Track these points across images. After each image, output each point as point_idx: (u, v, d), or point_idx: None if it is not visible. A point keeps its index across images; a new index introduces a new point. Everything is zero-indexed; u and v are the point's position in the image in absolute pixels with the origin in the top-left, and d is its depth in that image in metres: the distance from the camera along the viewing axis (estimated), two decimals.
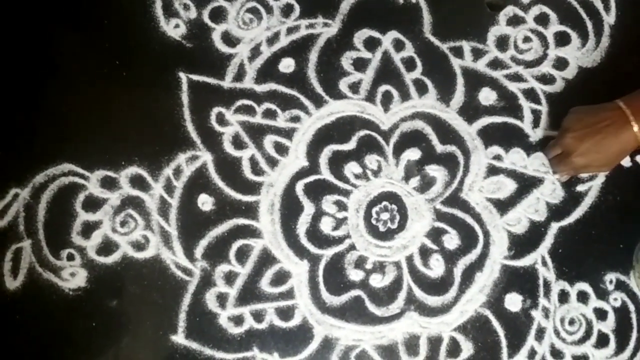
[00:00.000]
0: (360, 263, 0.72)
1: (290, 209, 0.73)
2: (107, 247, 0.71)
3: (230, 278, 0.71)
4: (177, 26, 0.76)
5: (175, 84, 0.74)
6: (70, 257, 0.70)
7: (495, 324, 0.72)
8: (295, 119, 0.75)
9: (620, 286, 0.73)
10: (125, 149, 0.73)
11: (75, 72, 0.75)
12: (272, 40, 0.76)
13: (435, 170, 0.74)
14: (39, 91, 0.74)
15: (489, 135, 0.75)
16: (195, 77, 0.75)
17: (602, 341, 0.72)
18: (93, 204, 0.72)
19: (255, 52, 0.76)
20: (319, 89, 0.76)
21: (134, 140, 0.73)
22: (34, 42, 0.75)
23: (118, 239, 0.71)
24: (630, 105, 0.65)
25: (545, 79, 0.77)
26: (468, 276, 0.73)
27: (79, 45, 0.76)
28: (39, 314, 0.69)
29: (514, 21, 0.78)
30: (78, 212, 0.71)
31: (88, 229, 0.71)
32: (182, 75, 0.75)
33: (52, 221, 0.71)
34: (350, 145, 0.75)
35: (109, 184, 0.72)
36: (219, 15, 0.77)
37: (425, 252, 0.73)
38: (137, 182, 0.72)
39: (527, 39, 0.78)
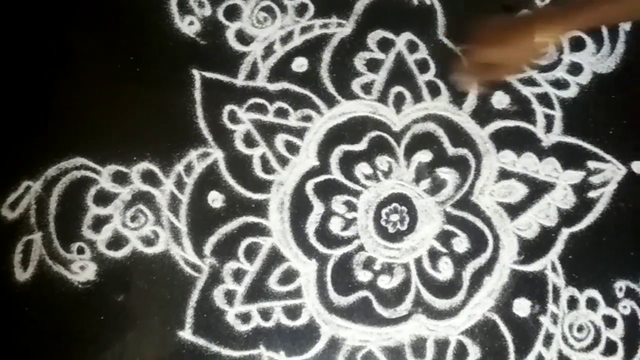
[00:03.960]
0: (368, 264, 0.72)
1: (299, 208, 0.73)
2: (117, 241, 0.71)
3: (238, 275, 0.71)
4: (191, 23, 0.76)
5: (188, 81, 0.75)
6: (81, 251, 0.71)
7: (503, 328, 0.71)
8: (307, 118, 0.75)
9: (630, 294, 0.73)
10: (137, 145, 0.73)
11: (89, 68, 0.75)
12: (285, 39, 0.76)
13: (446, 173, 0.74)
14: (54, 86, 0.74)
15: (501, 139, 0.75)
16: (208, 75, 0.75)
17: (611, 348, 0.72)
18: (104, 198, 0.72)
19: (268, 50, 0.76)
20: (331, 89, 0.76)
21: (146, 136, 0.73)
22: (49, 38, 0.76)
23: (128, 234, 0.71)
24: (542, 9, 0.71)
25: (559, 84, 0.77)
26: (477, 280, 0.72)
27: (93, 41, 0.76)
28: (48, 306, 0.70)
29: None
30: (89, 206, 0.72)
31: (98, 223, 0.71)
32: (196, 73, 0.75)
33: (63, 214, 0.71)
34: (362, 145, 0.75)
35: (121, 178, 0.73)
36: (233, 13, 0.77)
37: (434, 255, 0.73)
38: (148, 177, 0.73)
39: None
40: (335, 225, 0.73)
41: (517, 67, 0.71)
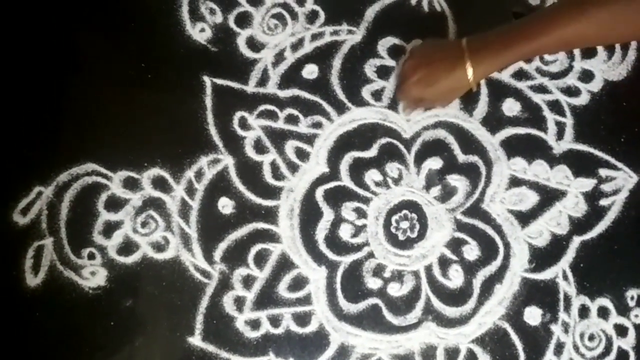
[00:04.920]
0: (378, 271, 0.72)
1: (309, 214, 0.73)
2: (127, 247, 0.72)
3: (248, 282, 0.71)
4: (202, 30, 0.77)
5: (199, 87, 0.75)
6: (91, 256, 0.71)
7: (514, 337, 0.71)
8: (317, 125, 0.75)
9: None
10: (148, 151, 0.73)
11: (101, 74, 0.75)
12: (296, 46, 0.77)
13: (456, 180, 0.74)
14: (65, 91, 0.75)
15: (512, 146, 0.75)
16: (219, 81, 0.75)
17: (622, 358, 0.72)
18: (115, 204, 0.72)
19: (279, 57, 0.76)
20: (341, 96, 0.76)
21: (157, 142, 0.74)
22: (60, 43, 0.76)
23: (138, 240, 0.72)
24: (470, 43, 0.65)
25: (570, 91, 0.77)
26: (487, 288, 0.72)
27: (105, 47, 0.76)
28: (59, 312, 0.70)
29: None
30: (100, 212, 0.72)
31: (109, 229, 0.72)
32: (207, 79, 0.75)
33: (74, 220, 0.72)
34: (372, 152, 0.75)
35: (131, 184, 0.73)
36: (244, 20, 0.77)
37: (444, 262, 0.72)
38: (159, 183, 0.73)
39: None
40: (345, 232, 0.73)
41: (447, 102, 0.72)
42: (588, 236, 0.73)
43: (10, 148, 0.73)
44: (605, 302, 0.72)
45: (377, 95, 0.76)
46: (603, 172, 0.75)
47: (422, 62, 0.67)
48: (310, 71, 0.76)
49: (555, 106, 0.76)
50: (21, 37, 0.76)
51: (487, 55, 0.64)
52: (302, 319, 0.71)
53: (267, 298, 0.71)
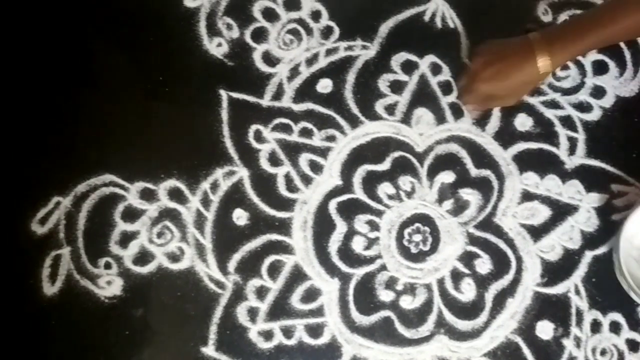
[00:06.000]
0: (390, 284, 0.73)
1: (322, 226, 0.74)
2: (143, 257, 0.72)
3: (261, 293, 0.72)
4: (219, 45, 0.78)
5: (215, 100, 0.76)
6: (108, 266, 0.72)
7: (526, 351, 0.71)
8: (331, 139, 0.76)
9: None
10: (165, 163, 0.75)
11: (119, 87, 0.77)
12: (311, 61, 0.78)
13: (469, 194, 0.75)
14: (84, 104, 0.77)
15: (524, 161, 0.75)
16: (235, 95, 0.77)
17: None
18: (132, 214, 0.73)
19: (294, 72, 0.78)
20: (355, 110, 0.77)
21: (173, 154, 0.75)
22: (80, 57, 0.78)
23: (154, 250, 0.73)
24: (538, 39, 0.67)
25: (582, 107, 0.77)
26: (499, 302, 0.72)
27: (124, 61, 0.78)
28: (75, 320, 0.71)
29: None
30: (117, 222, 0.73)
31: (126, 239, 0.73)
32: (223, 93, 0.77)
33: (91, 230, 0.73)
34: (385, 165, 0.75)
35: (148, 195, 0.74)
36: (260, 35, 0.79)
37: (456, 276, 0.73)
38: (175, 194, 0.74)
39: (564, 67, 0.78)
40: (357, 245, 0.74)
41: (517, 98, 0.73)
42: (600, 251, 0.74)
43: (29, 159, 0.75)
44: (617, 316, 0.72)
45: (391, 109, 0.77)
46: (615, 187, 0.75)
47: (493, 59, 0.68)
48: (325, 85, 0.77)
49: (567, 121, 0.77)
50: (41, 50, 0.78)
51: (561, 47, 0.66)
52: (315, 331, 0.71)
53: (280, 309, 0.72)
